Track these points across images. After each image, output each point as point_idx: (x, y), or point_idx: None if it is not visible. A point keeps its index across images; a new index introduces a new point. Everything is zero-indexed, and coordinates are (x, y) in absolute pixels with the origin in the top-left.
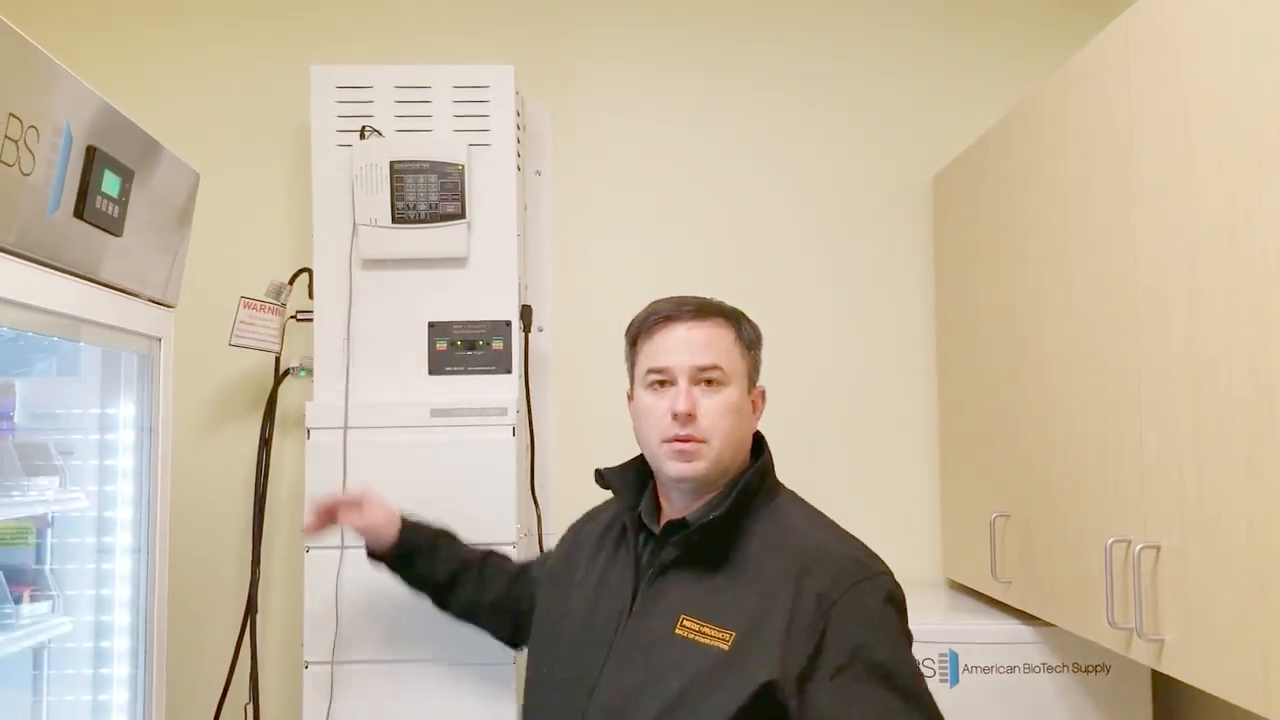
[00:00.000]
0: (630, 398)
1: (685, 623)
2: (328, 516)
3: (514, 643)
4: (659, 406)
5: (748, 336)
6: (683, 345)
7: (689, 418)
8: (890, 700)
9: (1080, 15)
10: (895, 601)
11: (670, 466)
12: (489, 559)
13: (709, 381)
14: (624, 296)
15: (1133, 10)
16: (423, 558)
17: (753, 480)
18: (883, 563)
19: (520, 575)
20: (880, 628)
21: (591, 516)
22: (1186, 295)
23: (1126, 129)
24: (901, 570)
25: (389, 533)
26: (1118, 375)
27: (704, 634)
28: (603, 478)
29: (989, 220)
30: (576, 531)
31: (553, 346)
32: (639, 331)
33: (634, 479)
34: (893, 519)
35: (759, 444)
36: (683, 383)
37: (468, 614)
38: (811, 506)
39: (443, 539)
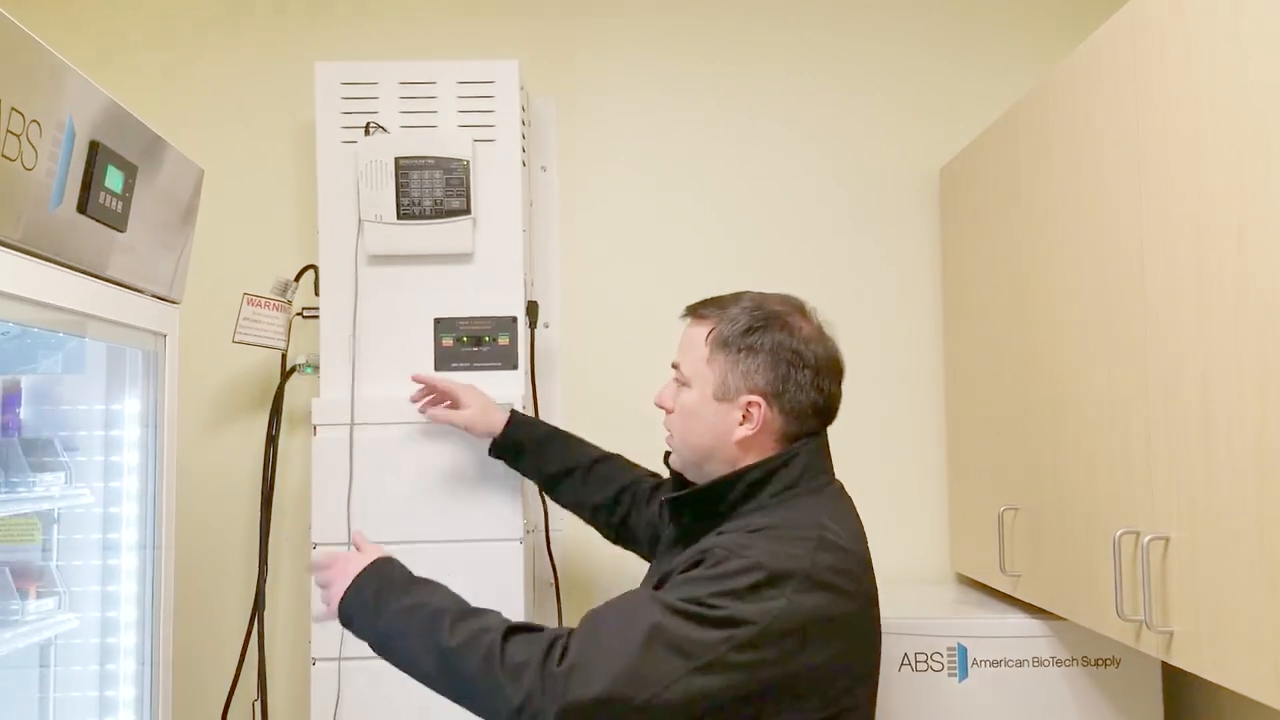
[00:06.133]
0: None
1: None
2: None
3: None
4: None
5: (725, 335)
6: (680, 341)
7: (666, 411)
8: (643, 602)
9: (1088, 5)
10: (758, 575)
11: None
12: (599, 463)
13: (678, 380)
14: (630, 292)
15: None
16: (529, 455)
17: (745, 474)
18: (812, 566)
19: (632, 487)
20: (713, 573)
21: None
22: (1195, 285)
23: (1134, 119)
24: (910, 564)
25: (493, 424)
26: (1126, 366)
27: None
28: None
29: (996, 212)
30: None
31: (559, 342)
32: None
33: None
34: (900, 513)
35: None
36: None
37: (575, 509)
38: (832, 511)
39: (556, 438)
